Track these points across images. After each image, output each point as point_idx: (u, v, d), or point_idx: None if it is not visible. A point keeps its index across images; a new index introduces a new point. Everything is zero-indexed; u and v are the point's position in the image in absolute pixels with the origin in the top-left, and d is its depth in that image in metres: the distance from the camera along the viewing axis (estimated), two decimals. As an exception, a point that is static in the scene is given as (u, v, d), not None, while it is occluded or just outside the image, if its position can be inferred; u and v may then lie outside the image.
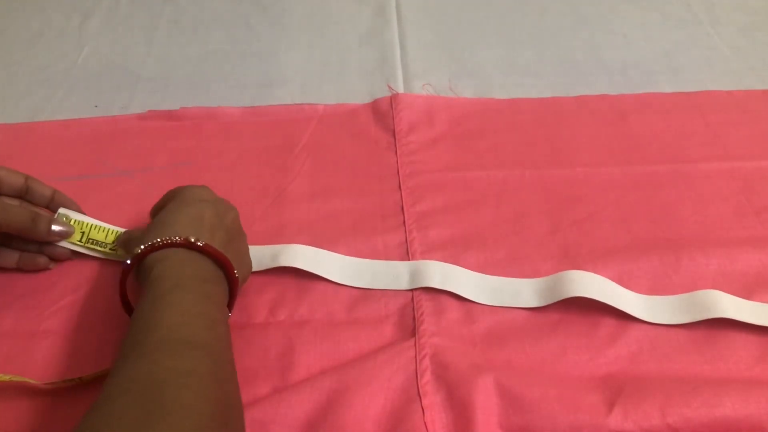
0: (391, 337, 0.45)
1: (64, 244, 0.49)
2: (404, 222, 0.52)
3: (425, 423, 0.40)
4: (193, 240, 0.42)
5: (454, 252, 0.50)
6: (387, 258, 0.50)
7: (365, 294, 0.48)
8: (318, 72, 0.67)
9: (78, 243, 0.49)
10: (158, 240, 0.42)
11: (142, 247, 0.42)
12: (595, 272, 0.48)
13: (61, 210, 0.50)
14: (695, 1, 0.74)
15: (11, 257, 0.48)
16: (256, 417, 0.40)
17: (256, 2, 0.76)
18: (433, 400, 0.41)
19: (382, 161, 0.57)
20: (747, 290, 0.47)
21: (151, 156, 0.57)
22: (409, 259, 0.50)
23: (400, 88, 0.64)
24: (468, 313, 0.46)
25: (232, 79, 0.66)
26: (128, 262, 0.42)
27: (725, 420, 0.39)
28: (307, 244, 0.50)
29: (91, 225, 0.50)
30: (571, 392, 0.41)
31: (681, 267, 0.48)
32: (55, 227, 0.48)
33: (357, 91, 0.64)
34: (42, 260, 0.49)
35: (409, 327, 0.45)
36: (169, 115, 0.61)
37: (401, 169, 0.56)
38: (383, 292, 0.48)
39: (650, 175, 0.55)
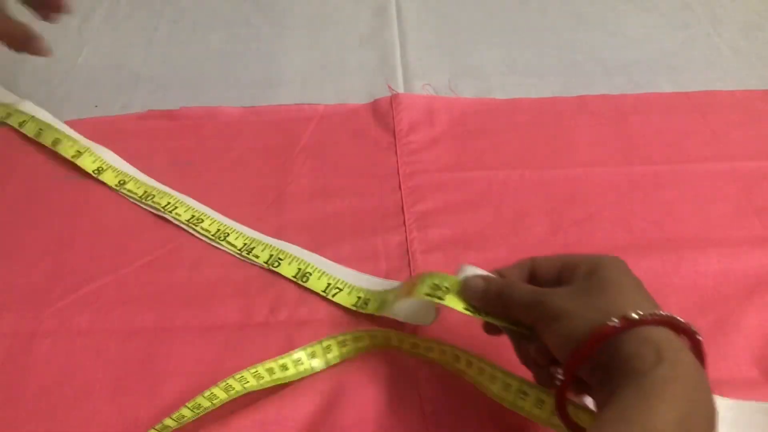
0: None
1: None
2: (404, 222, 0.52)
3: (426, 423, 0.40)
4: (695, 331, 0.32)
5: (454, 252, 0.50)
6: (387, 259, 0.50)
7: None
8: (318, 72, 0.67)
9: None
10: (658, 312, 0.31)
11: (641, 313, 0.31)
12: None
13: None
14: (696, 1, 0.74)
15: None
16: (257, 418, 0.40)
17: (256, 2, 0.76)
18: (433, 400, 0.41)
19: (382, 161, 0.57)
20: (747, 290, 0.47)
21: (151, 156, 0.57)
22: (409, 259, 0.50)
23: (400, 88, 0.64)
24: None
25: (232, 79, 0.66)
26: (614, 323, 0.31)
27: (725, 420, 0.39)
28: (307, 245, 0.50)
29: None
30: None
31: (681, 267, 0.48)
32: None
33: (357, 91, 0.64)
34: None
35: (410, 328, 0.45)
36: (169, 115, 0.61)
37: (401, 169, 0.56)
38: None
39: (650, 175, 0.55)
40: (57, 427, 0.41)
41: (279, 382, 0.42)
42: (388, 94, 0.62)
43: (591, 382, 0.33)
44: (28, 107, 0.60)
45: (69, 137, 0.57)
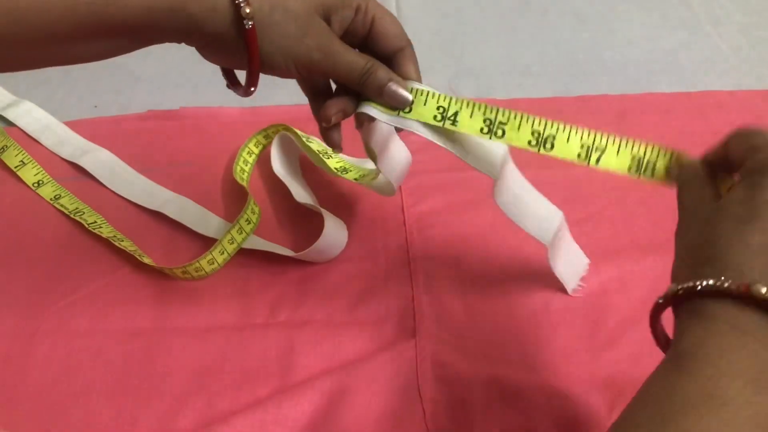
0: (392, 337, 0.45)
1: (414, 127, 0.39)
2: (404, 222, 0.52)
3: (426, 423, 0.40)
4: None
5: (454, 252, 0.50)
6: (387, 259, 0.50)
7: (366, 295, 0.48)
8: (318, 72, 0.67)
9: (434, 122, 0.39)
10: (727, 283, 0.27)
11: (692, 284, 0.28)
12: (597, 273, 0.48)
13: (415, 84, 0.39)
14: (696, 1, 0.74)
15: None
16: (257, 418, 0.40)
17: (256, 2, 0.76)
18: (433, 400, 0.41)
19: (382, 161, 0.57)
20: (747, 290, 0.47)
21: (151, 156, 0.57)
22: (408, 259, 0.49)
23: (400, 88, 0.64)
24: (468, 314, 0.46)
25: (232, 79, 0.66)
26: (660, 301, 0.30)
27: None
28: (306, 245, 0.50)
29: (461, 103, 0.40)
30: (571, 393, 0.41)
31: (681, 267, 0.48)
32: (393, 86, 0.37)
33: (357, 91, 0.64)
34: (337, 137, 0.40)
35: (410, 327, 0.45)
36: (169, 115, 0.61)
37: (401, 169, 0.56)
38: (384, 293, 0.48)
39: (650, 175, 0.55)
40: (57, 427, 0.41)
41: None
42: (388, 94, 0.62)
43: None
44: (28, 107, 0.60)
45: (16, 145, 0.56)
